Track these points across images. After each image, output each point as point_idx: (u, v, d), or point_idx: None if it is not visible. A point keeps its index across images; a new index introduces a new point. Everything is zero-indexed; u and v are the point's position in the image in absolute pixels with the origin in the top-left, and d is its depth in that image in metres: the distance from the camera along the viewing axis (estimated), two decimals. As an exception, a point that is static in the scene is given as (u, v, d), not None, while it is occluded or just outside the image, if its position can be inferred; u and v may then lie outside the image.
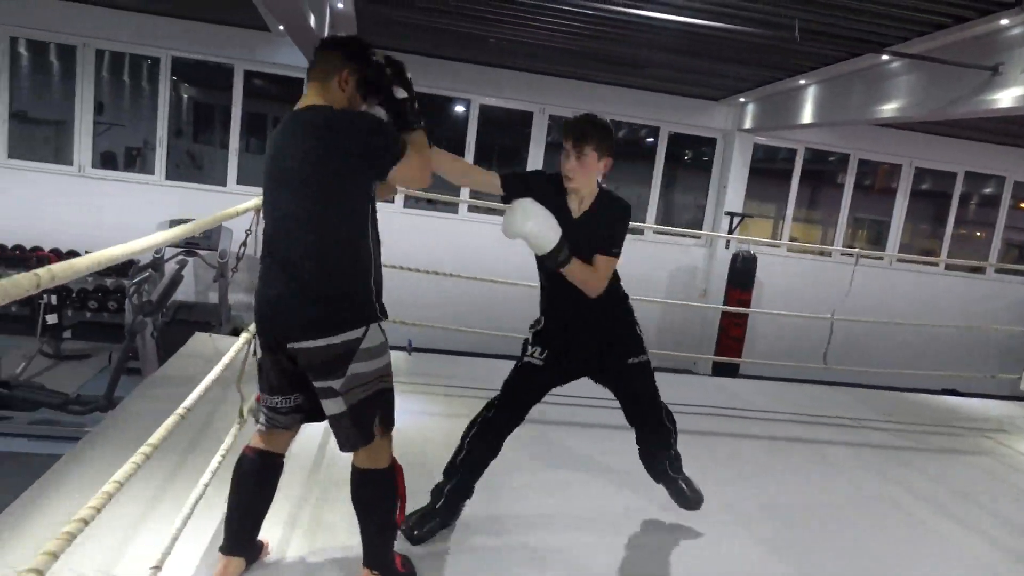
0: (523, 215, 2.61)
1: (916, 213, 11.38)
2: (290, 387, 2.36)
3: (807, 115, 8.26)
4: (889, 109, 6.72)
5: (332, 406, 2.26)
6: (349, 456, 2.38)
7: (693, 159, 11.18)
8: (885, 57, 6.39)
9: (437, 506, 2.91)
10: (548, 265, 2.73)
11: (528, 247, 2.70)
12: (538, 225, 2.61)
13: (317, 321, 2.20)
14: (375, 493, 2.39)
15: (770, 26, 5.78)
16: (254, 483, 2.44)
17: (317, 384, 2.25)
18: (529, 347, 2.94)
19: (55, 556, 1.30)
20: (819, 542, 3.47)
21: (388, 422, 2.36)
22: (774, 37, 5.94)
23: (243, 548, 2.48)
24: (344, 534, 2.80)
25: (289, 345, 2.22)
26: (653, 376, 3.04)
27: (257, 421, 2.47)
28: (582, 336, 2.91)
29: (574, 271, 2.70)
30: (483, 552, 2.92)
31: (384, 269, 2.42)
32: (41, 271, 1.20)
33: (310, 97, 2.32)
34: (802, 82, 8.08)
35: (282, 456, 2.50)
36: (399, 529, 2.55)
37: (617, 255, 2.78)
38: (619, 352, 2.96)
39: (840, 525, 3.67)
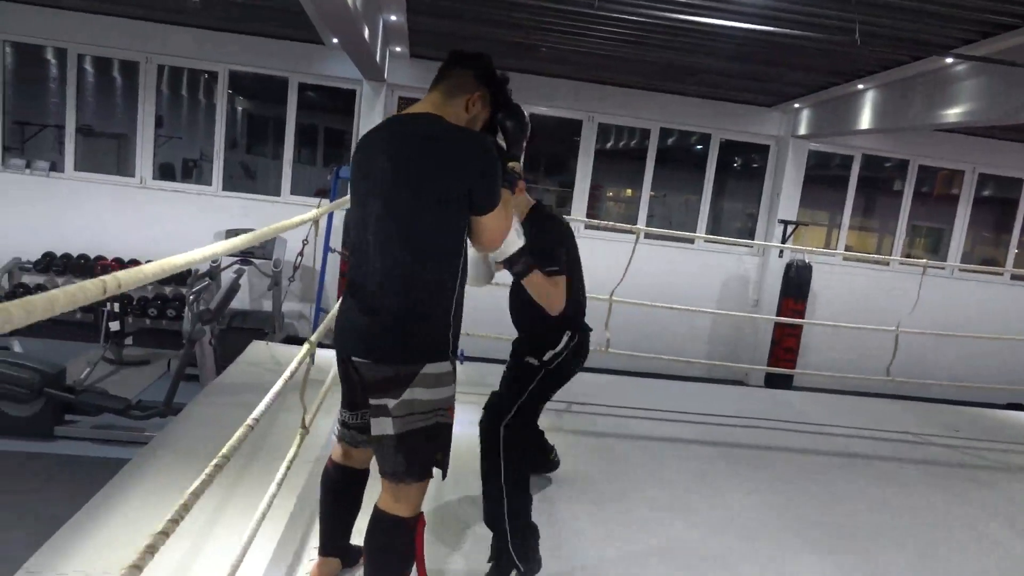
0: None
1: (979, 220, 11.00)
2: (356, 403, 2.27)
3: (865, 121, 8.05)
4: (953, 114, 6.50)
5: (380, 426, 2.09)
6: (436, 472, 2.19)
7: (743, 166, 11.00)
8: (949, 60, 6.19)
9: None
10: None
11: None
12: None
13: (383, 345, 2.07)
14: (390, 542, 2.17)
15: (829, 30, 5.66)
16: (334, 495, 2.44)
17: (372, 401, 2.11)
18: None
19: (139, 569, 1.30)
20: (893, 565, 3.33)
21: (444, 465, 2.16)
22: (833, 41, 5.81)
23: (336, 550, 2.51)
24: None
25: (353, 358, 2.15)
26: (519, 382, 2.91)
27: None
28: None
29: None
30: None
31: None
32: (108, 278, 1.19)
33: (424, 106, 2.18)
34: (860, 87, 7.88)
35: (363, 470, 2.44)
36: None
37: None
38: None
39: (914, 546, 3.53)
